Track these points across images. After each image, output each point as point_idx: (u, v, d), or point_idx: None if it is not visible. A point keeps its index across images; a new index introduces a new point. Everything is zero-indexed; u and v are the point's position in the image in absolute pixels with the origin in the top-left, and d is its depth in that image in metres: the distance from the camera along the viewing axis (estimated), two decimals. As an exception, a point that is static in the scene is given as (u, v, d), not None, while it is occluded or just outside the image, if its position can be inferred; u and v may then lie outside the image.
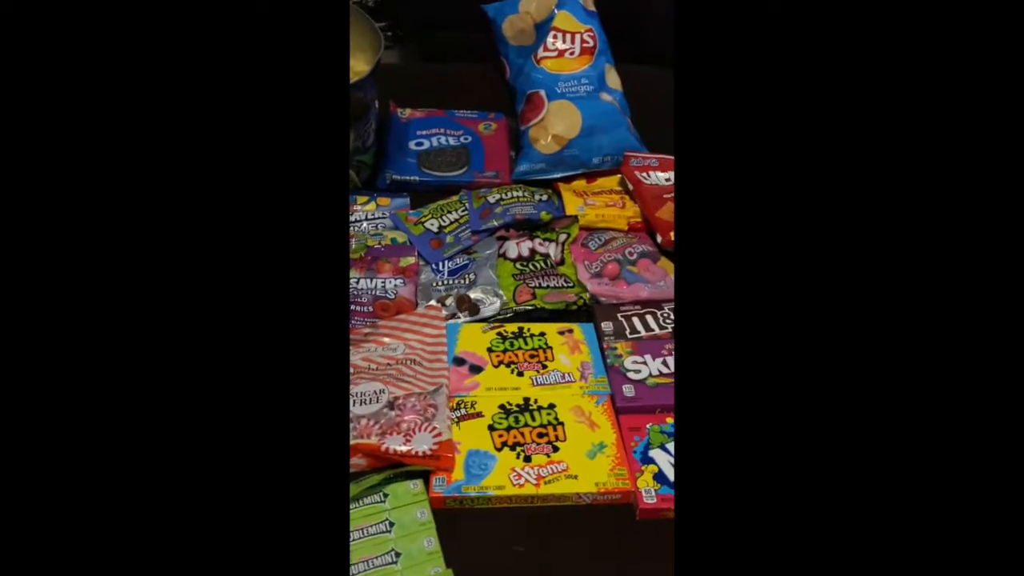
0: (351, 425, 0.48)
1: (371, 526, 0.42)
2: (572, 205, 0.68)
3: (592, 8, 0.76)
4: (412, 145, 0.73)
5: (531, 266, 0.63)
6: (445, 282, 0.61)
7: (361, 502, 0.43)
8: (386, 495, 0.44)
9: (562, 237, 0.66)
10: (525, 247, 0.64)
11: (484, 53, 0.83)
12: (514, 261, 0.63)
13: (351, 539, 0.41)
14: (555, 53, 0.73)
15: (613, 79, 0.75)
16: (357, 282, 0.59)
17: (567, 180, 0.72)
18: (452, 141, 0.75)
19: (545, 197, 0.69)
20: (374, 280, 0.60)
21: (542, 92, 0.73)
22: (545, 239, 0.65)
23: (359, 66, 0.69)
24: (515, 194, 0.69)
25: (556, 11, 0.74)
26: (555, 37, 0.74)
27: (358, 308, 0.57)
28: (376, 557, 0.40)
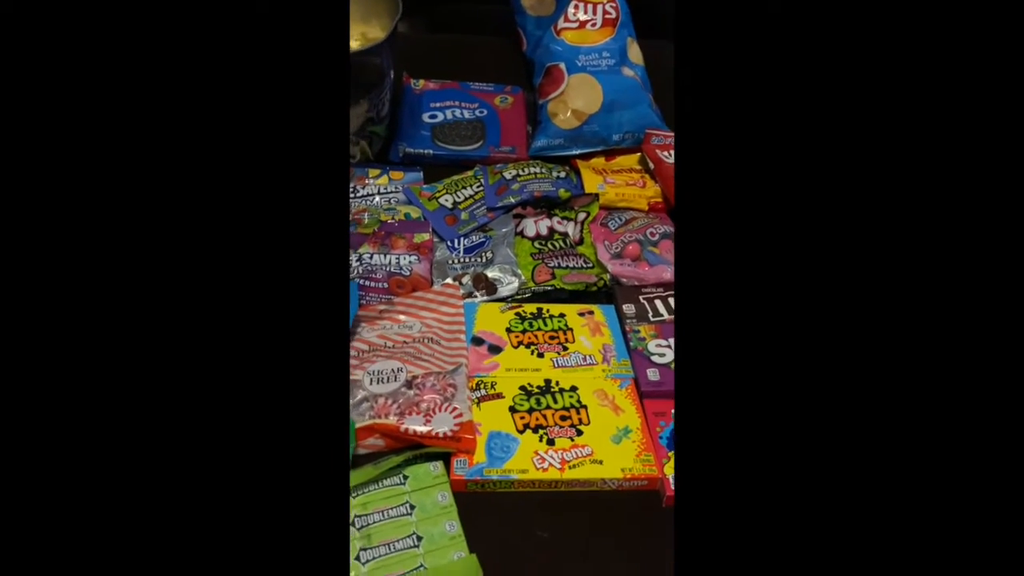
0: (368, 404, 0.46)
1: (392, 508, 0.41)
2: (591, 183, 0.66)
3: (615, -23, 0.73)
4: (426, 117, 0.71)
5: (550, 245, 0.61)
6: (461, 260, 0.59)
7: (381, 483, 0.42)
8: (406, 477, 0.42)
9: (581, 216, 0.64)
10: (543, 225, 0.62)
11: (498, 24, 0.80)
12: (532, 240, 0.61)
13: (373, 522, 0.40)
14: (576, 24, 0.71)
15: (635, 53, 0.72)
16: (371, 257, 0.57)
17: (586, 157, 0.70)
18: (467, 114, 0.72)
19: (563, 174, 0.67)
20: (388, 256, 0.58)
21: (562, 65, 0.70)
22: (564, 217, 0.63)
23: (374, 32, 0.66)
24: (532, 170, 0.66)
25: (578, -20, 0.71)
26: (576, 7, 0.71)
27: (372, 284, 0.56)
28: (398, 540, 0.39)
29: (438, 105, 0.73)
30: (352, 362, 0.49)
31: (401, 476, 0.42)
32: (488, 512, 0.42)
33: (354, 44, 0.66)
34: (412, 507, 0.41)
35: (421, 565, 0.38)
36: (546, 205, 0.64)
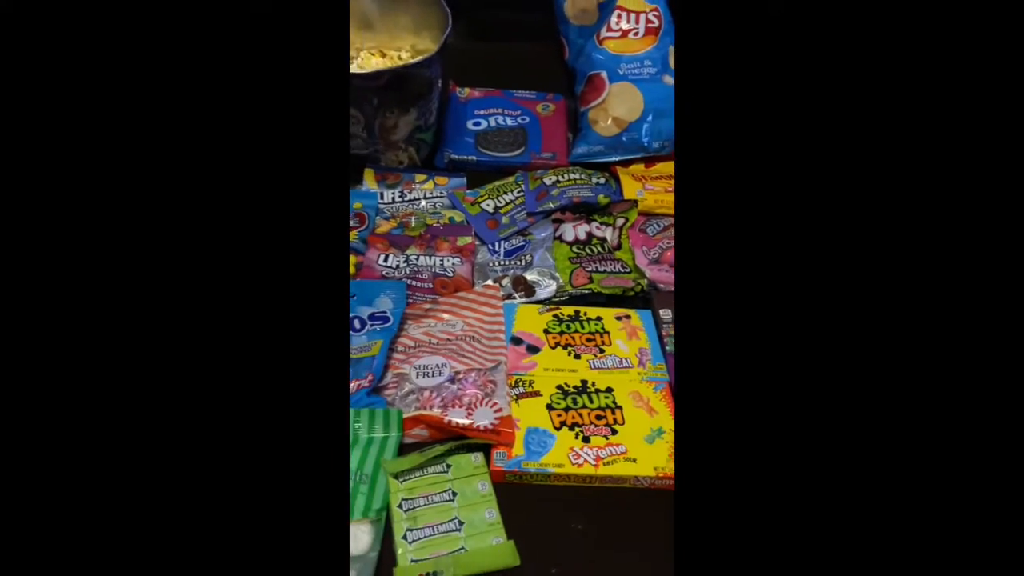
0: (414, 396, 0.49)
1: (435, 494, 0.43)
2: (631, 189, 0.67)
3: (659, -14, 0.74)
4: (470, 125, 0.74)
5: (588, 250, 0.63)
6: (502, 262, 0.62)
7: (426, 470, 0.45)
8: (449, 466, 0.45)
9: (620, 221, 0.65)
10: (582, 230, 0.64)
11: (541, 32, 0.82)
12: (571, 244, 0.63)
13: (418, 505, 0.43)
14: (618, 33, 0.72)
15: (677, 61, 0.73)
16: (417, 259, 0.61)
17: (625, 164, 0.71)
18: (510, 121, 0.75)
19: (603, 180, 0.69)
20: (433, 257, 0.61)
21: (603, 73, 0.71)
22: (602, 223, 0.65)
23: (424, 43, 0.69)
24: (572, 176, 0.68)
25: (622, -11, 0.72)
26: (619, 17, 0.72)
27: (418, 284, 0.59)
28: (441, 524, 0.42)
29: (482, 113, 0.75)
30: (399, 357, 0.52)
31: (444, 465, 0.45)
32: (525, 502, 0.44)
33: (405, 56, 0.70)
34: (454, 494, 0.44)
35: (462, 547, 0.41)
36: (585, 210, 0.66)
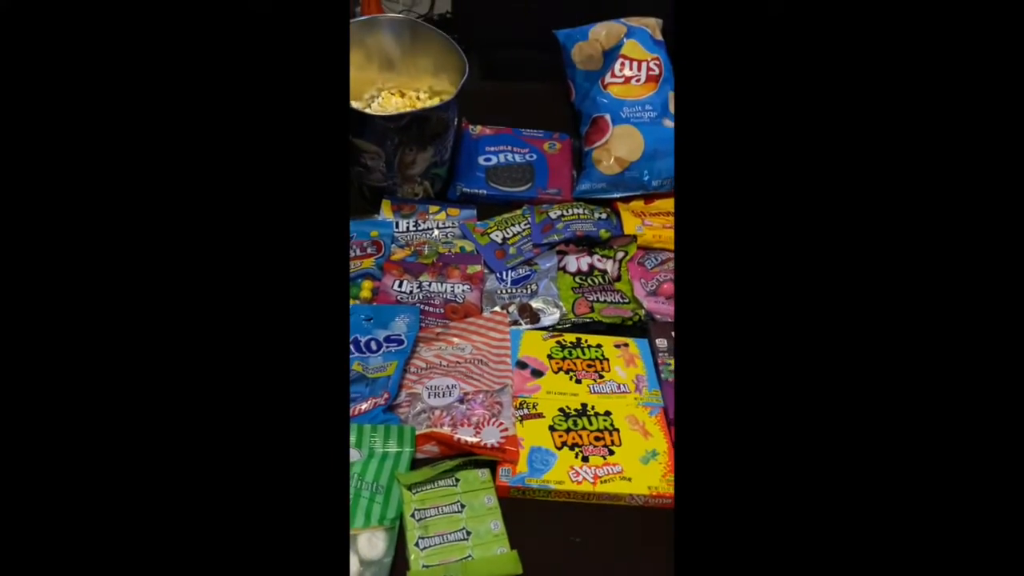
0: (426, 415, 0.53)
1: (445, 506, 0.47)
2: (630, 224, 0.72)
3: (659, 38, 0.80)
4: (481, 160, 0.79)
5: (590, 281, 0.67)
6: (508, 290, 0.66)
7: (436, 484, 0.48)
8: (458, 480, 0.49)
9: (619, 255, 0.70)
10: (584, 262, 0.68)
11: (549, 73, 0.87)
12: (573, 275, 0.67)
13: (429, 516, 0.46)
14: (621, 80, 0.77)
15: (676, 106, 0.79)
16: (429, 285, 0.65)
17: (626, 200, 0.75)
18: (518, 158, 0.79)
19: (604, 215, 0.73)
20: (444, 284, 0.65)
21: (607, 116, 0.76)
22: (603, 255, 0.69)
23: (441, 85, 0.74)
24: (576, 211, 0.73)
25: (625, 40, 0.78)
26: (623, 64, 0.78)
27: (430, 309, 0.63)
28: (450, 533, 0.45)
29: (492, 149, 0.80)
30: (412, 377, 0.56)
31: (454, 479, 0.49)
32: (528, 516, 0.47)
33: (424, 96, 0.75)
34: (463, 506, 0.47)
35: (470, 555, 0.44)
36: (587, 243, 0.70)
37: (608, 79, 0.77)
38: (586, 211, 0.73)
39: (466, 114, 0.83)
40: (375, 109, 0.72)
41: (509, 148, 0.80)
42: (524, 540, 0.46)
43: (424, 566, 0.44)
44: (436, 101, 0.72)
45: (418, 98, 0.74)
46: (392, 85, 0.76)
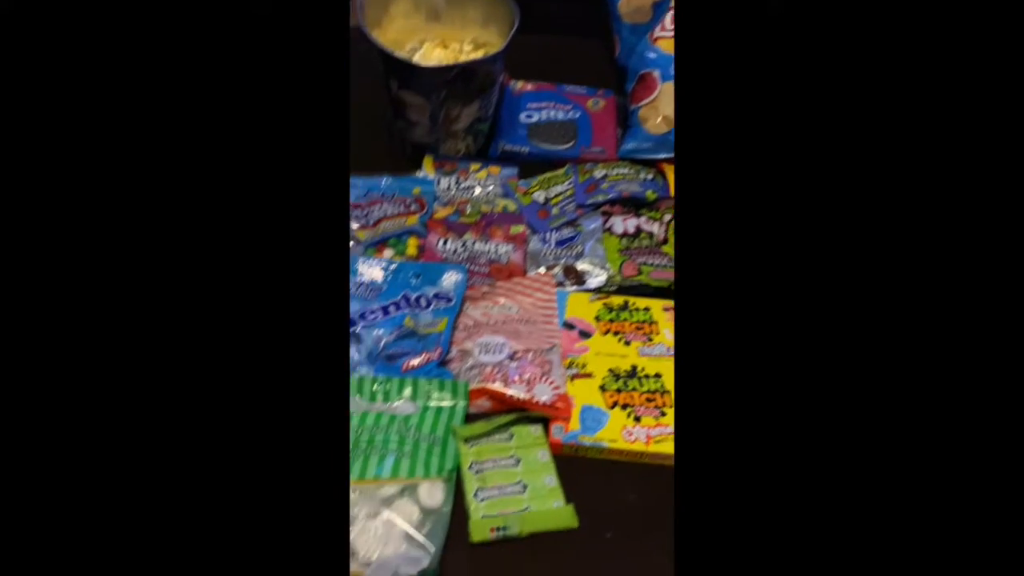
0: (477, 371, 0.53)
1: (501, 459, 0.47)
2: (678, 187, 0.70)
3: (713, -11, 0.76)
4: (523, 117, 0.76)
5: (637, 243, 0.66)
6: (553, 251, 0.65)
7: (492, 437, 0.49)
8: (512, 435, 0.49)
9: (667, 217, 0.68)
10: (631, 224, 0.67)
11: (592, 27, 0.84)
12: (620, 237, 0.66)
13: (486, 468, 0.47)
14: (672, 33, 0.74)
15: (728, 64, 0.75)
16: (474, 244, 0.64)
17: (672, 161, 0.73)
18: (561, 115, 0.77)
19: (651, 176, 0.71)
20: (488, 244, 0.64)
21: (656, 72, 0.73)
22: (650, 217, 0.68)
23: (486, 36, 0.72)
24: (621, 171, 0.71)
25: (677, -9, 0.74)
26: (673, 17, 0.74)
27: (476, 268, 0.62)
28: (507, 485, 0.46)
29: (535, 106, 0.78)
30: (462, 334, 0.56)
31: (508, 434, 0.49)
32: (581, 473, 0.48)
33: (467, 48, 0.73)
34: (518, 460, 0.48)
35: (527, 507, 0.45)
36: (633, 205, 0.69)
37: (658, 33, 0.74)
38: (631, 171, 0.71)
39: (508, 68, 0.80)
40: (417, 61, 0.70)
41: (552, 105, 0.78)
42: (578, 496, 0.46)
43: (484, 516, 0.45)
44: (480, 53, 0.70)
45: (461, 50, 0.72)
46: (435, 36, 0.73)
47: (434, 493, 0.44)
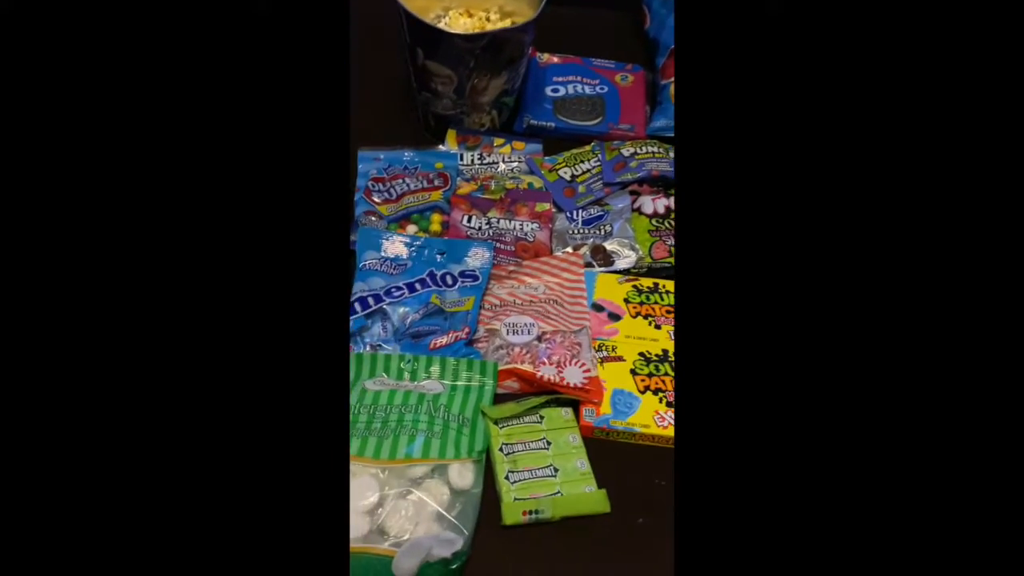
0: (504, 351, 0.52)
1: (532, 442, 0.47)
2: (709, 167, 0.68)
3: (752, -40, 0.73)
4: (549, 91, 0.74)
5: (667, 224, 0.64)
6: (580, 231, 0.63)
7: (522, 419, 0.48)
8: (542, 417, 0.48)
9: (697, 198, 0.66)
10: (661, 204, 0.65)
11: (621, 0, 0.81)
12: (649, 217, 0.64)
13: (517, 450, 0.46)
14: (707, 6, 0.71)
15: (764, 39, 0.72)
16: (498, 221, 0.62)
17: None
18: (588, 90, 0.75)
19: (681, 156, 0.69)
20: (513, 221, 0.63)
21: (689, 47, 0.71)
22: (680, 198, 0.66)
23: (512, 6, 0.69)
24: (650, 149, 0.69)
25: (715, -39, 0.71)
26: (709, -11, 0.71)
27: (501, 246, 0.61)
28: (538, 468, 0.45)
29: (561, 80, 0.76)
30: (488, 314, 0.55)
31: (538, 416, 0.48)
32: (612, 457, 0.47)
33: (494, 17, 0.70)
34: (548, 443, 0.47)
35: (559, 491, 0.44)
36: (663, 184, 0.67)
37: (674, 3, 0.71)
38: (661, 150, 0.69)
39: (535, 42, 0.77)
40: (451, 30, 0.67)
41: (579, 79, 0.75)
42: (609, 481, 0.46)
43: (516, 499, 0.44)
44: (508, 22, 0.67)
45: (488, 19, 0.69)
46: (460, 4, 0.70)
47: (464, 474, 0.44)
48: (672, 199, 0.66)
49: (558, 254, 0.61)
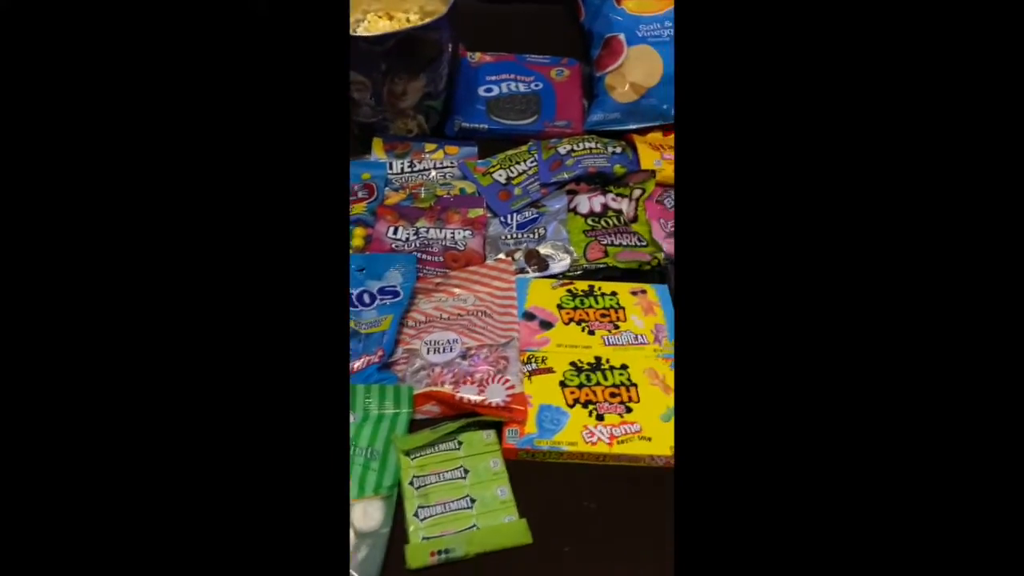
0: (425, 372, 0.48)
1: (447, 472, 0.43)
2: (648, 159, 0.65)
3: (681, -59, 0.70)
4: (481, 91, 0.71)
5: (603, 222, 0.61)
6: (514, 235, 0.60)
7: (437, 448, 0.44)
8: (460, 443, 0.45)
9: (636, 193, 0.63)
10: (597, 202, 0.62)
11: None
12: (585, 216, 0.61)
13: (429, 483, 0.43)
14: (638, -8, 0.68)
15: (700, 22, 0.69)
16: (427, 231, 0.59)
17: (643, 132, 0.68)
18: (522, 87, 0.72)
19: (619, 149, 0.66)
20: (443, 230, 0.59)
21: (621, 36, 0.68)
22: (618, 194, 0.63)
23: (433, 5, 0.66)
24: (587, 145, 0.66)
25: (642, -55, 0.68)
26: (639, -25, 0.68)
27: (429, 257, 0.57)
28: (452, 501, 0.42)
29: (493, 79, 0.72)
30: (410, 332, 0.51)
31: (456, 442, 0.45)
32: (537, 480, 0.44)
33: (414, 18, 0.67)
34: (466, 471, 0.43)
35: (474, 525, 0.41)
36: (601, 181, 0.64)
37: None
38: (599, 145, 0.66)
39: (463, 40, 0.75)
40: (361, 34, 0.64)
41: (512, 76, 0.72)
42: (533, 507, 0.42)
43: (424, 538, 0.40)
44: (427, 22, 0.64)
45: (408, 19, 0.66)
46: (379, 7, 0.67)
47: (371, 513, 0.40)
48: (609, 196, 0.62)
49: (489, 262, 0.57)
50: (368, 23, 0.67)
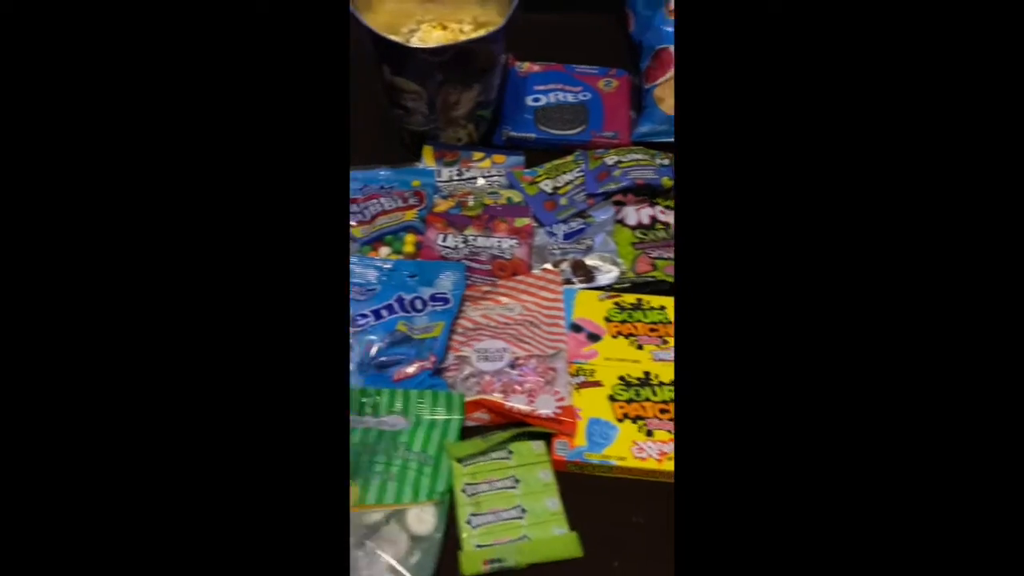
0: (475, 380, 0.49)
1: (498, 480, 0.44)
2: (697, 173, 0.64)
3: (737, -47, 0.69)
4: (529, 101, 0.72)
5: (652, 235, 0.61)
6: (560, 246, 0.60)
7: (488, 456, 0.45)
8: (511, 452, 0.45)
9: (685, 206, 0.63)
10: (645, 214, 0.62)
11: (603, 2, 0.78)
12: (633, 228, 0.61)
13: (481, 491, 0.43)
14: (691, 4, 0.68)
15: (753, 35, 0.69)
16: (475, 239, 0.60)
17: (691, 145, 0.68)
18: (570, 98, 0.72)
19: (667, 161, 0.66)
20: (491, 239, 0.60)
21: (672, 48, 0.68)
22: (666, 207, 0.62)
23: (487, 16, 0.67)
24: (635, 156, 0.66)
25: (696, -44, 0.68)
26: (692, -14, 0.68)
27: (477, 266, 0.58)
28: (503, 510, 0.42)
29: (542, 88, 0.73)
30: (459, 339, 0.52)
31: (507, 451, 0.45)
32: (586, 493, 0.44)
33: (467, 28, 0.68)
34: (517, 481, 0.44)
35: (525, 536, 0.41)
36: (648, 193, 0.63)
37: (674, 4, 0.68)
38: (646, 156, 0.65)
39: (512, 49, 0.75)
40: (418, 45, 0.65)
41: (560, 86, 0.73)
42: (583, 520, 0.42)
43: (477, 546, 0.41)
44: (481, 33, 0.65)
45: (461, 31, 0.67)
46: (432, 17, 0.68)
47: (424, 518, 0.41)
48: (657, 208, 0.62)
49: (535, 272, 0.58)
50: (422, 33, 0.68)
